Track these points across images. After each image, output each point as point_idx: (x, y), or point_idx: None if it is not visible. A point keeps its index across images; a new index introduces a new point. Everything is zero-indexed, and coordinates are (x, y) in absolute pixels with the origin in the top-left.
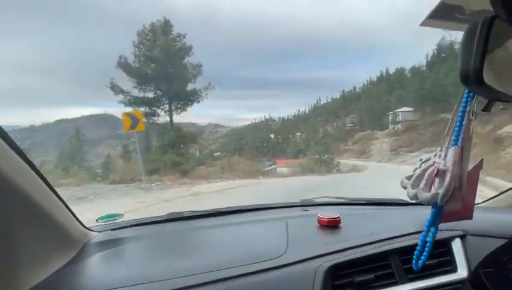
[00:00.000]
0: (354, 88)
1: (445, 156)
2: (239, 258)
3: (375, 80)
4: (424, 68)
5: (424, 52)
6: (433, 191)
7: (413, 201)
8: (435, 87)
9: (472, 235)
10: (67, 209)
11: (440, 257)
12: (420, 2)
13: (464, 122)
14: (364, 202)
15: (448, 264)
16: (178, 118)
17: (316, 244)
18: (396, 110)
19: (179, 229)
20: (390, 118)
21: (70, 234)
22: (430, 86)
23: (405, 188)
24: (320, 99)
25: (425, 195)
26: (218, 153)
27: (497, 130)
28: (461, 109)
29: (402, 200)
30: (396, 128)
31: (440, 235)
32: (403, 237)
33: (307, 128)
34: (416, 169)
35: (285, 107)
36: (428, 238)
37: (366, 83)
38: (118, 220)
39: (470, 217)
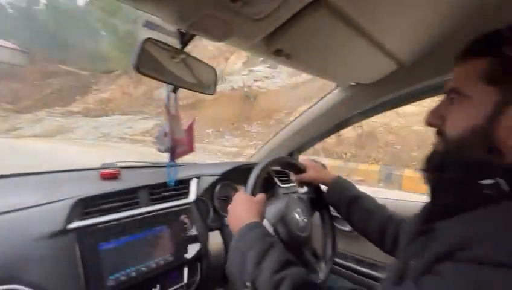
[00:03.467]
0: None
1: (167, 126)
2: None
3: None
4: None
5: None
6: (166, 145)
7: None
8: (60, 28)
9: (203, 176)
10: None
11: (182, 190)
12: None
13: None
14: (148, 164)
15: (186, 194)
16: None
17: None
18: None
19: None
20: None
21: None
22: (51, 26)
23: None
24: None
25: (163, 148)
26: None
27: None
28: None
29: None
30: None
31: (183, 176)
32: (159, 185)
33: None
34: (157, 135)
35: None
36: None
37: None
38: None
39: (193, 151)
